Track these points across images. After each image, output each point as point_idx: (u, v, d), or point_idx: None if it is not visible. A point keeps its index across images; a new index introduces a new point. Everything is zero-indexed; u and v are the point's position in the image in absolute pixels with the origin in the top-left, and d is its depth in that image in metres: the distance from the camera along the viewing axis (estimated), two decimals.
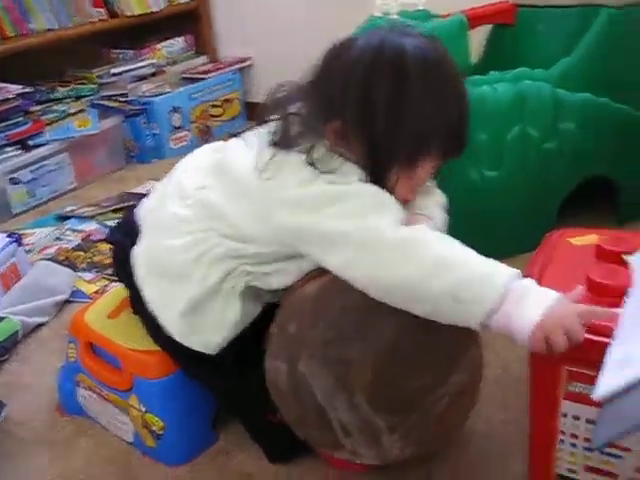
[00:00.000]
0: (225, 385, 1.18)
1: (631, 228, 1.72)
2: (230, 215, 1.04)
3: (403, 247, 0.91)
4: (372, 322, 0.96)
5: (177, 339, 1.10)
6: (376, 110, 0.95)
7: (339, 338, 0.98)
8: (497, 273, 0.88)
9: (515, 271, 0.89)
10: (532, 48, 1.98)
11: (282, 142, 0.99)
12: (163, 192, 1.17)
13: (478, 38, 2.09)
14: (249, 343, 1.11)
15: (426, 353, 0.99)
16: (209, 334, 1.09)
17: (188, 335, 1.10)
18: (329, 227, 0.94)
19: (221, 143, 1.17)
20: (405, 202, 1.04)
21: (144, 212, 1.18)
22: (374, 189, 0.97)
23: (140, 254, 1.14)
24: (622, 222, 1.80)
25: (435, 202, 1.12)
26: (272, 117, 1.05)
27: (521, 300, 0.86)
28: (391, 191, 0.99)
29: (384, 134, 0.96)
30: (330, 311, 0.97)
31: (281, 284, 1.06)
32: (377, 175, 0.99)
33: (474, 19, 1.96)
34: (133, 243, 1.15)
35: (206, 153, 1.18)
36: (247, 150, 1.06)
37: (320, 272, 1.00)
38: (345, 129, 0.98)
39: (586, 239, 1.05)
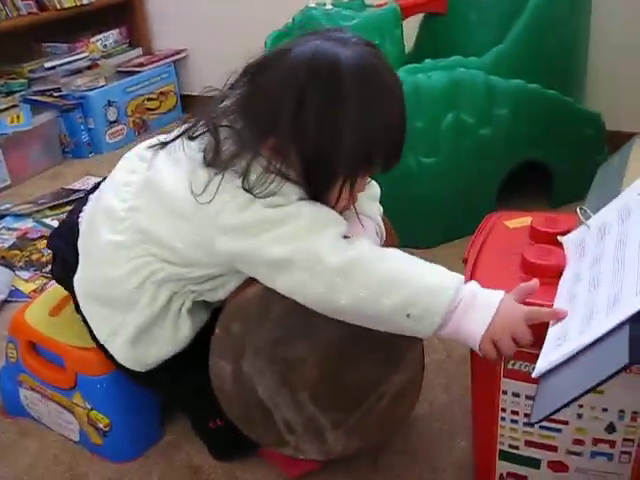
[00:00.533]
0: (162, 393, 1.20)
1: (564, 211, 1.77)
2: (168, 240, 1.00)
3: (347, 271, 0.90)
4: (317, 320, 0.96)
5: (128, 367, 1.10)
6: (310, 126, 0.90)
7: (285, 336, 0.99)
8: (443, 285, 0.89)
9: (459, 278, 0.90)
10: (465, 36, 2.02)
11: (216, 163, 0.94)
12: (93, 211, 1.12)
13: (411, 27, 2.12)
14: (184, 353, 1.10)
15: (370, 351, 1.00)
16: (159, 354, 1.09)
17: (137, 361, 1.09)
18: (270, 253, 0.92)
19: (148, 153, 1.08)
20: (345, 209, 1.03)
21: (80, 233, 1.13)
22: (312, 207, 0.94)
23: (81, 285, 1.12)
24: (555, 206, 1.86)
25: (367, 196, 1.10)
26: (200, 130, 1.00)
27: (468, 309, 0.88)
28: (333, 204, 0.97)
29: (320, 151, 0.92)
30: (276, 310, 0.98)
31: (228, 293, 1.05)
32: (318, 191, 0.96)
33: (407, 8, 1.98)
34: (74, 248, 1.12)
35: (133, 162, 1.11)
36: (176, 168, 1.00)
37: None
38: (281, 146, 0.93)
39: (521, 221, 1.08)
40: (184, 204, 0.96)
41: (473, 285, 0.90)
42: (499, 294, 0.88)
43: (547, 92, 1.75)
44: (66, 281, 1.15)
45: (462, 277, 0.90)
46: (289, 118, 0.90)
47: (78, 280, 1.12)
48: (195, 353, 1.07)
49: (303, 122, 0.90)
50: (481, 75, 1.67)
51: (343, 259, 0.90)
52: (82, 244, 1.12)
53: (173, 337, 1.07)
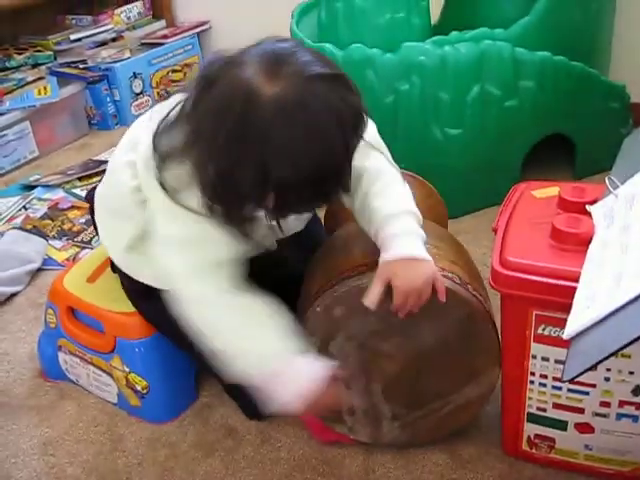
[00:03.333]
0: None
1: (587, 182, 1.78)
2: None
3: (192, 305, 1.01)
4: (418, 326, 1.01)
5: (127, 272, 1.16)
6: (219, 154, 0.90)
7: (383, 331, 1.03)
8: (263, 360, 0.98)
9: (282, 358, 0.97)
10: (491, 8, 2.01)
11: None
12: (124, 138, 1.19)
13: None
14: None
15: (453, 363, 1.05)
16: (151, 269, 1.11)
17: (134, 269, 1.15)
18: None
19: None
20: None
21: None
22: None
23: (98, 198, 1.21)
24: (578, 177, 1.87)
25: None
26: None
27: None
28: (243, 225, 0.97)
29: (220, 179, 0.91)
30: (386, 306, 0.99)
31: None
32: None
33: None
34: None
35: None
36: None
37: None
38: (197, 169, 0.94)
39: (547, 191, 1.10)
40: None
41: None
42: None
43: (572, 64, 1.75)
44: None
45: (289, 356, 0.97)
46: (203, 147, 0.91)
47: (97, 194, 1.22)
48: None
49: (215, 153, 0.89)
50: (507, 47, 1.68)
51: (195, 291, 1.00)
52: (109, 164, 1.21)
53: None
